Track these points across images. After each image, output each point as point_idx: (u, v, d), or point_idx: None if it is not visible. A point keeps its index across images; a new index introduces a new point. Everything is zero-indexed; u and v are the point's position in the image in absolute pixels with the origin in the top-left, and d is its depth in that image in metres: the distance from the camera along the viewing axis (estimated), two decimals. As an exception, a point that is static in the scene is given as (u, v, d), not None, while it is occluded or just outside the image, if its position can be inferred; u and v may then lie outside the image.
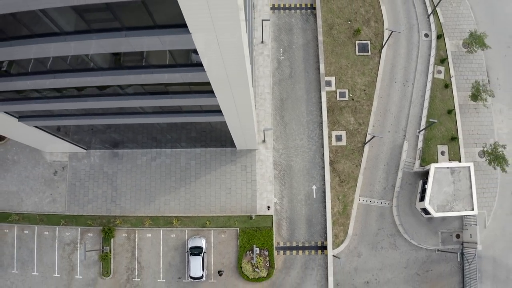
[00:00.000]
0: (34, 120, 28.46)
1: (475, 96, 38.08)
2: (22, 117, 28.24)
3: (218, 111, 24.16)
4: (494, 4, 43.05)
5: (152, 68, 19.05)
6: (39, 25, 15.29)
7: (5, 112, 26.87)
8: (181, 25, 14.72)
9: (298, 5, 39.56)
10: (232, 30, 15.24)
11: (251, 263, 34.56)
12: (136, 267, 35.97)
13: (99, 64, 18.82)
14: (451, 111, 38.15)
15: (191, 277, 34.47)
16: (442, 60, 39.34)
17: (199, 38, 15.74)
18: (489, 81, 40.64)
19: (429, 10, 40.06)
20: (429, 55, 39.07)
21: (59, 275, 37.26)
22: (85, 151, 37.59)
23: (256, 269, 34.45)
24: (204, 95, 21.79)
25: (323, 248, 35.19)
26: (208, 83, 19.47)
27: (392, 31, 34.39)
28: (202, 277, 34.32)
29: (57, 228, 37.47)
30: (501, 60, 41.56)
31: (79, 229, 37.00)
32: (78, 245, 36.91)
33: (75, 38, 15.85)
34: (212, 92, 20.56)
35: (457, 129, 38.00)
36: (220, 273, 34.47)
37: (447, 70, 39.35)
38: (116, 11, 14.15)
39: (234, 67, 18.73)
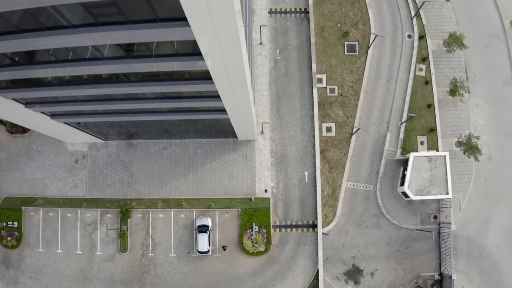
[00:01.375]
0: (64, 118, 34.04)
1: (453, 92, 43.49)
2: (54, 115, 33.41)
3: (223, 110, 29.24)
4: (474, 6, 48.15)
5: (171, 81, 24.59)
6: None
7: (42, 112, 32.54)
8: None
9: (293, 9, 44.98)
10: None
11: (251, 239, 40.58)
12: (150, 244, 42.09)
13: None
14: (430, 105, 43.68)
15: (199, 252, 40.43)
16: (424, 59, 44.73)
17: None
18: (467, 77, 46.03)
19: (413, 13, 45.44)
20: (412, 54, 44.47)
21: (81, 252, 43.27)
22: (103, 141, 43.32)
23: (255, 245, 40.48)
24: (211, 98, 26.81)
25: (314, 226, 41.11)
26: (216, 92, 24.82)
27: (376, 35, 39.95)
28: (208, 251, 40.23)
29: (79, 210, 43.39)
30: (479, 58, 46.85)
31: (99, 211, 43.01)
32: (98, 225, 42.96)
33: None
34: (218, 96, 25.71)
35: (435, 122, 43.51)
36: (224, 248, 40.48)
37: (428, 68, 44.76)
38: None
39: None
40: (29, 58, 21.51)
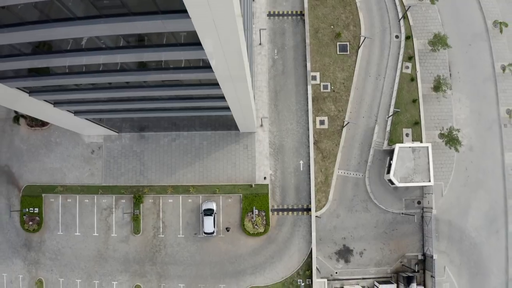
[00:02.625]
0: (87, 114, 39.33)
1: (436, 88, 48.72)
2: (77, 112, 38.13)
3: (227, 108, 33.91)
4: (459, 7, 53.04)
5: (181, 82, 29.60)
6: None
7: (68, 110, 37.93)
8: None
9: (290, 12, 50.17)
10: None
11: (252, 221, 46.26)
12: (161, 226, 47.79)
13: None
14: (415, 100, 48.97)
15: (205, 233, 45.95)
16: (410, 58, 49.93)
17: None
18: (450, 74, 51.23)
19: (400, 15, 50.59)
20: (399, 53, 49.61)
21: (97, 234, 48.89)
22: (117, 134, 48.71)
23: (256, 226, 46.19)
24: (217, 99, 31.65)
25: (308, 210, 46.70)
26: (221, 92, 29.56)
27: (365, 37, 45.25)
28: (213, 232, 45.73)
29: (95, 197, 48.90)
30: (462, 56, 51.93)
31: (113, 196, 48.52)
32: (113, 210, 48.62)
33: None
34: (223, 97, 30.29)
35: (420, 115, 48.75)
36: (227, 229, 46.17)
37: (414, 66, 49.92)
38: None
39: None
40: (67, 69, 26.72)
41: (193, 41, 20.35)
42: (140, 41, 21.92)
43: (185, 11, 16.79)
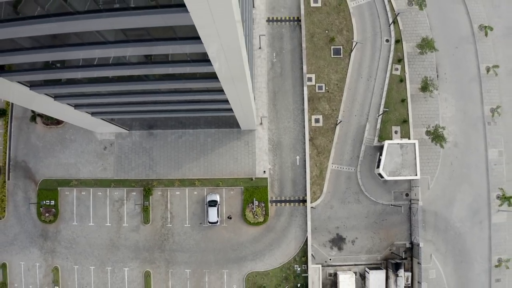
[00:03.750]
0: (102, 115, 44.26)
1: (424, 88, 53.51)
2: (94, 113, 42.70)
3: (229, 109, 38.46)
4: (446, 12, 57.59)
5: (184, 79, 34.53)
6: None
7: (86, 112, 42.96)
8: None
9: (287, 18, 55.08)
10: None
11: (252, 212, 51.43)
12: (169, 216, 52.99)
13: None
14: (404, 100, 53.86)
15: (209, 222, 50.84)
16: (399, 60, 54.72)
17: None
18: (438, 76, 56.07)
19: (390, 20, 55.53)
20: (389, 56, 54.44)
21: (110, 224, 53.98)
22: (127, 131, 53.73)
23: (256, 216, 51.36)
24: (221, 103, 36.32)
25: (304, 201, 51.75)
26: (226, 100, 34.12)
27: (357, 42, 50.25)
28: (217, 222, 50.67)
29: (108, 189, 53.89)
30: (449, 58, 56.67)
31: (125, 189, 53.58)
32: (125, 201, 53.78)
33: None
34: (226, 101, 35.04)
35: (408, 114, 53.61)
36: (229, 217, 51.44)
37: (403, 68, 54.64)
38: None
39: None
40: (93, 80, 31.56)
41: (202, 58, 24.64)
42: (164, 58, 26.47)
43: (193, 31, 19.48)
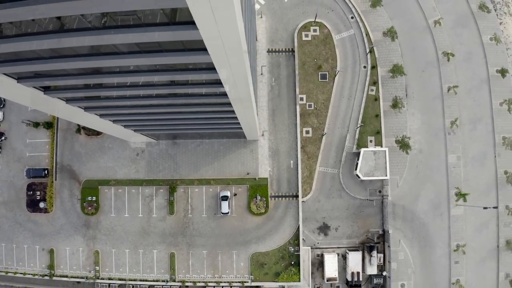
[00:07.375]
0: (135, 127, 61.74)
1: (394, 105, 70.60)
2: (126, 126, 60.61)
3: (238, 124, 54.21)
4: (416, 40, 73.35)
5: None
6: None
7: (123, 125, 60.07)
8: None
9: (284, 49, 72.38)
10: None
11: (256, 205, 68.94)
12: (189, 208, 70.56)
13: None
14: (378, 115, 71.17)
15: (222, 213, 67.60)
16: (374, 83, 71.91)
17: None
18: (406, 94, 73.16)
19: (368, 50, 72.95)
20: (366, 80, 71.64)
21: (142, 215, 71.45)
22: (156, 141, 71.20)
23: (258, 208, 68.89)
24: (231, 119, 51.96)
25: (297, 196, 68.73)
26: (235, 117, 51.56)
27: (338, 70, 67.93)
28: (228, 213, 67.88)
29: (140, 187, 71.10)
30: (417, 80, 73.28)
31: (154, 187, 70.67)
32: (154, 197, 71.41)
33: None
34: (236, 117, 52.86)
35: (381, 126, 71.16)
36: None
37: (377, 89, 72.04)
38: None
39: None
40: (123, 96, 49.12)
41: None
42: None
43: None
